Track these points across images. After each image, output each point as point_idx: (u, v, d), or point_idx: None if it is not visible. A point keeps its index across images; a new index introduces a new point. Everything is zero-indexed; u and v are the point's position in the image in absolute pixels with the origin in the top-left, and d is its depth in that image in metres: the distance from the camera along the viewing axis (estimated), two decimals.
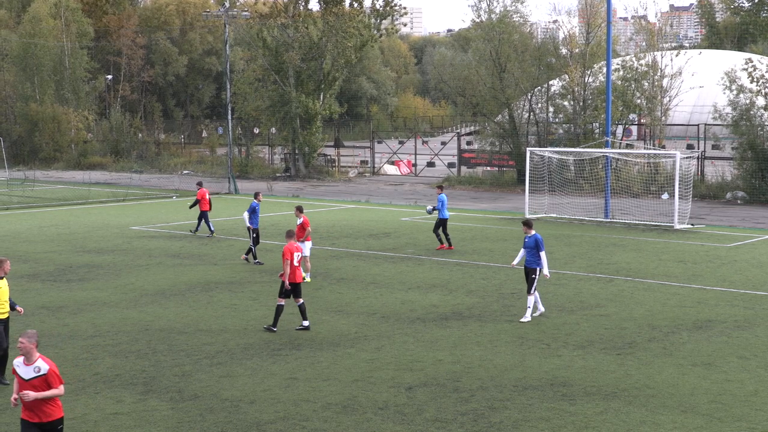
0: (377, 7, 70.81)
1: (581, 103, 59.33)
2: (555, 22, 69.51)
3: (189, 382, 17.40)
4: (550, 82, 63.03)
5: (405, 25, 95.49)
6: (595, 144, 49.92)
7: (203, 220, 37.66)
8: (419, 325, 21.90)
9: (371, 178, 71.41)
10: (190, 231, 38.45)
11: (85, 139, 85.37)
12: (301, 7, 71.09)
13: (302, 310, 21.47)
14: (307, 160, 71.64)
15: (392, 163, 76.15)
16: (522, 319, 22.19)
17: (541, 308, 22.81)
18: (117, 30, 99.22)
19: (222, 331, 21.34)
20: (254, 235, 31.51)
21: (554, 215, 44.01)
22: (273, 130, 75.09)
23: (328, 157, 76.70)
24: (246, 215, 31.85)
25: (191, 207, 38.87)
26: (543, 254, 22.24)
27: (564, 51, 64.18)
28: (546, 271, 22.26)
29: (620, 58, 61.81)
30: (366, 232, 38.77)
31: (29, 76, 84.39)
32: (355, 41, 69.70)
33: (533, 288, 22.32)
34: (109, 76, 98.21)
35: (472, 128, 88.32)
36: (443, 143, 79.03)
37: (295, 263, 21.28)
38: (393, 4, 70.56)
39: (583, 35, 62.36)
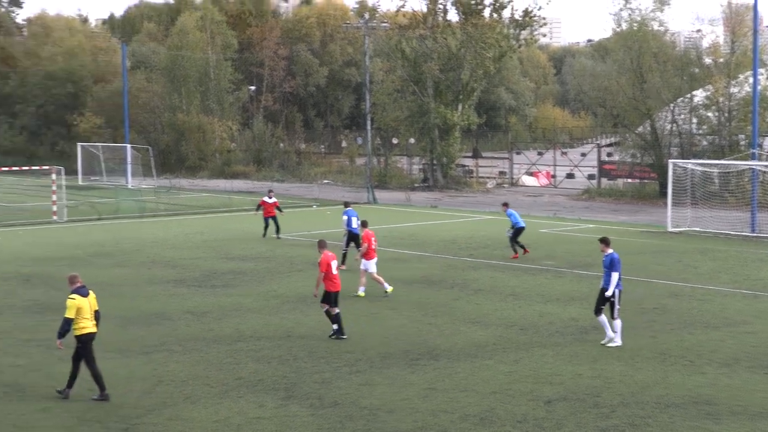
0: (517, 17, 70.50)
1: (726, 114, 57.81)
2: (698, 31, 67.92)
3: (329, 389, 17.62)
4: (693, 93, 61.58)
5: (544, 35, 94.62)
6: (741, 156, 48.57)
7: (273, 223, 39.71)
8: (558, 338, 21.68)
9: (509, 189, 71.00)
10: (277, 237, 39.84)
11: (228, 149, 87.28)
12: (440, 18, 71.26)
13: (337, 319, 21.72)
14: (445, 171, 71.67)
15: (531, 174, 75.54)
16: (609, 344, 20.91)
17: (610, 334, 21.05)
18: (260, 42, 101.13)
19: (361, 339, 21.53)
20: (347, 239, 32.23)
21: (698, 229, 42.95)
22: (411, 140, 75.40)
23: (466, 167, 76.61)
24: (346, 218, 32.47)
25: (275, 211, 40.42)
26: (615, 275, 20.79)
27: (708, 60, 62.71)
28: (609, 291, 20.80)
29: None
30: (504, 243, 38.47)
31: (176, 87, 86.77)
32: (494, 52, 69.50)
33: (615, 311, 20.89)
34: (252, 87, 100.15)
35: (613, 139, 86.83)
36: (583, 154, 78.09)
37: (334, 272, 21.71)
38: (532, 15, 70.13)
39: (727, 44, 60.80)
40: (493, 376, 18.50)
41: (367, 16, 71.65)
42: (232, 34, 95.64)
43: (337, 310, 21.63)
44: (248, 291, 27.57)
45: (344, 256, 31.75)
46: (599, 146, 74.08)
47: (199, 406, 16.54)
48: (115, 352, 20.20)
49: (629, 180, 65.27)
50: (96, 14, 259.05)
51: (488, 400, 16.90)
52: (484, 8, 70.22)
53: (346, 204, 34.63)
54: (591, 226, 45.75)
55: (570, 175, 73.10)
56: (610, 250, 21.18)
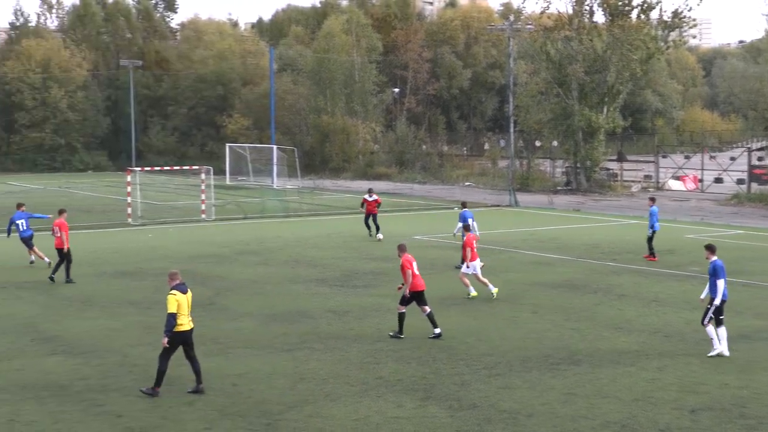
0: (665, 18, 69.03)
1: None
2: None
3: (468, 391, 17.54)
4: None
5: (694, 36, 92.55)
6: None
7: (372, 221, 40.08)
8: (704, 346, 21.05)
9: (655, 193, 69.52)
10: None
11: (371, 150, 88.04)
12: (586, 20, 70.33)
13: (430, 318, 21.84)
14: (588, 174, 70.70)
15: (677, 178, 73.78)
16: (708, 354, 20.02)
17: (717, 348, 20.03)
18: (404, 44, 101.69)
19: (501, 342, 21.38)
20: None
21: None
22: (554, 143, 74.65)
23: (611, 171, 75.34)
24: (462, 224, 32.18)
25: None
26: (720, 282, 19.79)
27: None
28: (717, 300, 19.82)
29: None
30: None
31: (322, 90, 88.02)
32: (641, 54, 68.23)
33: (705, 318, 20.07)
34: (396, 90, 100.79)
35: (764, 143, 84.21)
36: (732, 158, 75.82)
37: (416, 272, 21.83)
38: (682, 16, 68.55)
39: None
40: (636, 383, 18.11)
41: (512, 18, 71.25)
42: (377, 37, 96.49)
43: (428, 309, 21.87)
44: (388, 291, 27.65)
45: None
46: (750, 150, 71.89)
47: (339, 404, 16.68)
48: (258, 349, 20.57)
49: None
50: (245, 18, 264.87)
51: (630, 408, 16.54)
52: (631, 9, 68.98)
53: (464, 205, 34.62)
54: (740, 232, 44.38)
55: (718, 180, 71.12)
56: (713, 257, 20.38)
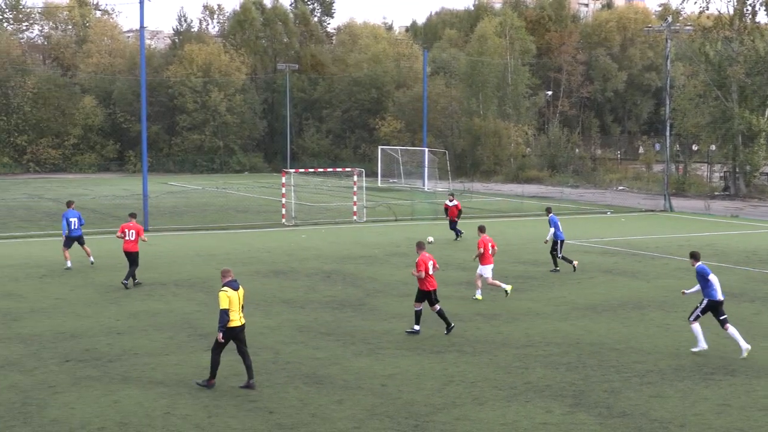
0: None
1: None
2: None
3: (618, 399, 17.25)
4: None
5: None
6: None
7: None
8: None
9: None
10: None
11: (523, 153, 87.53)
12: (748, 20, 68.26)
13: (441, 315, 22.29)
14: (747, 179, 68.66)
15: None
16: (692, 349, 20.92)
17: (702, 345, 20.80)
18: (558, 47, 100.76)
19: (653, 350, 20.94)
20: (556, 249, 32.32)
21: None
22: (712, 147, 72.71)
23: None
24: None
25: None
26: (708, 282, 20.75)
27: None
28: (687, 291, 21.86)
29: None
30: None
31: (474, 92, 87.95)
32: None
33: (692, 315, 21.00)
34: (549, 92, 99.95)
35: None
36: None
37: (430, 272, 22.14)
38: None
39: None
40: None
41: (670, 19, 69.70)
42: (531, 40, 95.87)
43: (438, 307, 22.31)
44: (538, 296, 27.48)
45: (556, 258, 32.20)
46: None
47: (487, 408, 16.63)
48: (407, 350, 20.69)
49: None
50: (400, 21, 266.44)
51: None
52: None
53: (548, 210, 34.35)
54: None
55: None
56: (697, 263, 21.21)
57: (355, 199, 50.37)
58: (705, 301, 20.74)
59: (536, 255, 35.98)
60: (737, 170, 69.24)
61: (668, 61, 62.93)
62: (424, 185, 73.95)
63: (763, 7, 67.98)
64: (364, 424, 15.72)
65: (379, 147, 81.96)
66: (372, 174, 76.47)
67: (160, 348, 20.74)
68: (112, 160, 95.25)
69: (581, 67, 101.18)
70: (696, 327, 20.79)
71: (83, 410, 16.31)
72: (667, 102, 63.19)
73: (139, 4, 45.50)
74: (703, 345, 20.77)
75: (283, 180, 49.71)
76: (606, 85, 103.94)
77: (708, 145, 73.36)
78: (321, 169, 64.36)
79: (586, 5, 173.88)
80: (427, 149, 75.95)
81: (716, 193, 68.49)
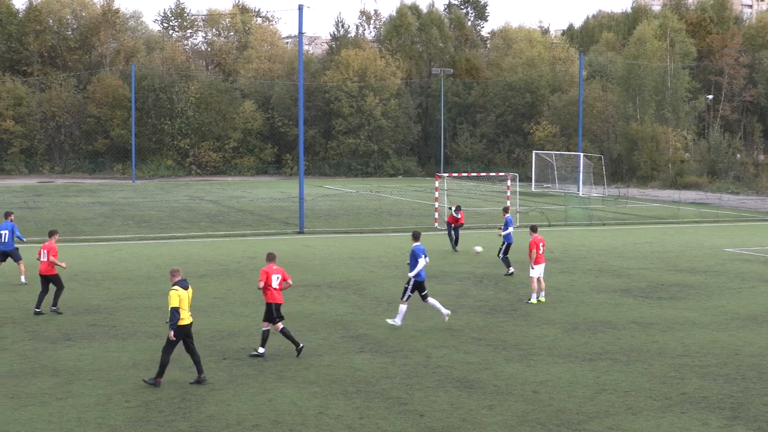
0: None
1: None
2: None
3: None
4: None
5: None
6: None
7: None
8: None
9: None
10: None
11: (682, 159, 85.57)
12: None
13: (286, 334, 20.35)
14: None
15: None
16: (389, 320, 23.36)
17: (398, 321, 23.21)
18: (720, 49, 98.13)
19: None
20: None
21: None
22: None
23: None
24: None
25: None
26: (420, 261, 22.85)
27: None
28: (411, 273, 23.04)
29: None
30: None
31: (631, 96, 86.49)
32: None
33: (404, 295, 23.23)
34: (710, 96, 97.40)
35: None
36: None
37: (274, 285, 20.18)
38: None
39: None
40: None
41: None
42: (691, 42, 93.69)
43: (281, 326, 20.29)
44: (695, 305, 26.81)
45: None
46: None
47: (641, 418, 16.32)
48: (559, 357, 20.49)
49: None
50: (556, 25, 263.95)
51: None
52: None
53: (505, 210, 34.75)
54: None
55: None
56: (415, 243, 23.16)
57: (508, 203, 50.11)
58: (412, 281, 23.03)
59: (694, 263, 35.15)
60: None
61: None
62: (578, 190, 73.06)
63: None
64: (514, 430, 15.64)
65: (534, 152, 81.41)
66: (526, 179, 75.98)
67: (314, 348, 21.09)
68: (270, 163, 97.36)
69: (744, 70, 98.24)
70: (433, 301, 23.40)
71: (239, 407, 16.74)
72: None
73: (298, 11, 46.40)
74: (398, 322, 23.16)
75: (437, 184, 49.89)
76: None
77: None
78: (474, 174, 64.21)
79: (750, 6, 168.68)
80: (582, 154, 75.02)
81: None
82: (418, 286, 23.18)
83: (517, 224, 48.06)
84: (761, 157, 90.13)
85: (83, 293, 27.77)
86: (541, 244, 27.00)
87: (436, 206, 48.55)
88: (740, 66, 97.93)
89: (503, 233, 32.96)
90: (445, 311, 23.58)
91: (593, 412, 16.61)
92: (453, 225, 38.76)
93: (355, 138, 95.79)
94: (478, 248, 36.47)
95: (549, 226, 48.52)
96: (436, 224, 46.85)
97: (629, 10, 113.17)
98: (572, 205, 60.55)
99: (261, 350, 20.32)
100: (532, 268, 26.92)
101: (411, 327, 23.44)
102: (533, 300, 26.91)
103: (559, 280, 30.70)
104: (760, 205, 63.59)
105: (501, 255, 32.48)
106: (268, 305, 20.34)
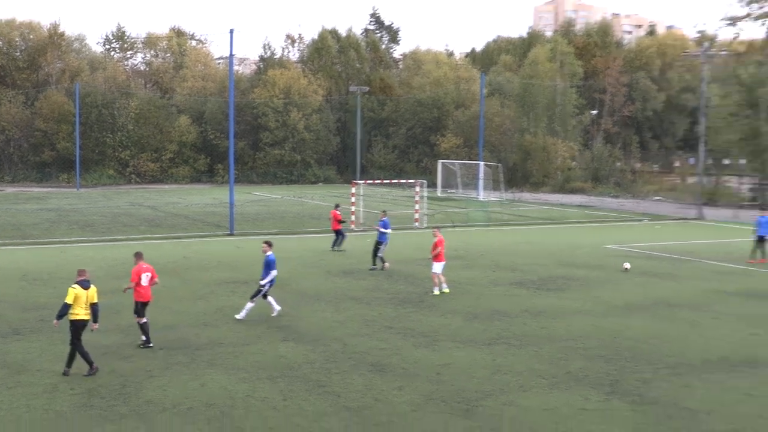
0: None
1: None
2: None
3: (649, 388, 17.16)
4: None
5: None
6: None
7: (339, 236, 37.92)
8: None
9: None
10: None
11: (569, 167, 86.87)
12: None
13: (143, 328, 20.01)
14: None
15: None
16: (272, 314, 23.34)
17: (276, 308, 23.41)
18: (603, 70, 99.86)
19: (683, 344, 20.76)
20: (379, 247, 32.10)
21: None
22: (743, 161, 71.54)
23: None
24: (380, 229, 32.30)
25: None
26: (273, 273, 22.84)
27: None
28: (263, 282, 22.88)
29: None
30: None
31: (526, 112, 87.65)
32: None
33: (257, 296, 23.12)
34: (594, 111, 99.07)
35: None
36: None
37: (143, 283, 20.04)
38: None
39: None
40: None
41: (706, 45, 68.80)
42: (578, 64, 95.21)
43: (144, 320, 20.05)
44: (579, 295, 27.36)
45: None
46: None
47: (531, 395, 16.65)
48: (461, 343, 20.76)
49: None
50: (460, 48, 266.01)
51: None
52: None
53: (383, 213, 33.96)
54: None
55: None
56: (271, 251, 22.91)
57: (417, 207, 50.46)
58: (266, 287, 22.98)
59: (578, 258, 35.80)
60: (765, 182, 68.01)
61: (704, 83, 62.10)
62: (479, 195, 73.74)
63: None
64: (421, 407, 15.84)
65: (440, 161, 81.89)
66: (432, 185, 76.38)
67: (243, 338, 21.05)
68: (203, 172, 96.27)
69: (624, 88, 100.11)
70: (270, 299, 23.38)
71: (174, 392, 16.66)
72: (702, 120, 62.34)
73: (228, 35, 46.10)
74: (277, 308, 23.50)
75: (353, 190, 49.98)
76: (646, 105, 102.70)
77: (738, 159, 72.19)
78: (387, 181, 64.44)
79: (630, 33, 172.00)
80: (482, 163, 75.71)
81: (744, 203, 67.32)
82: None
83: (425, 225, 48.47)
84: (638, 165, 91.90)
85: (32, 292, 27.27)
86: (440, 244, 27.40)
87: (353, 210, 48.63)
88: (620, 85, 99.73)
89: (387, 231, 32.91)
90: (277, 307, 23.62)
91: (490, 390, 16.89)
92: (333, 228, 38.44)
93: (281, 149, 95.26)
94: (627, 264, 32.98)
95: (453, 227, 48.93)
96: (353, 226, 46.92)
97: (525, 35, 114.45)
98: (473, 209, 61.11)
99: (144, 338, 20.12)
100: (434, 265, 27.29)
101: (330, 318, 23.52)
102: (436, 292, 27.21)
103: (461, 275, 31.04)
104: (636, 207, 64.91)
105: (380, 254, 32.40)
106: (137, 303, 20.06)
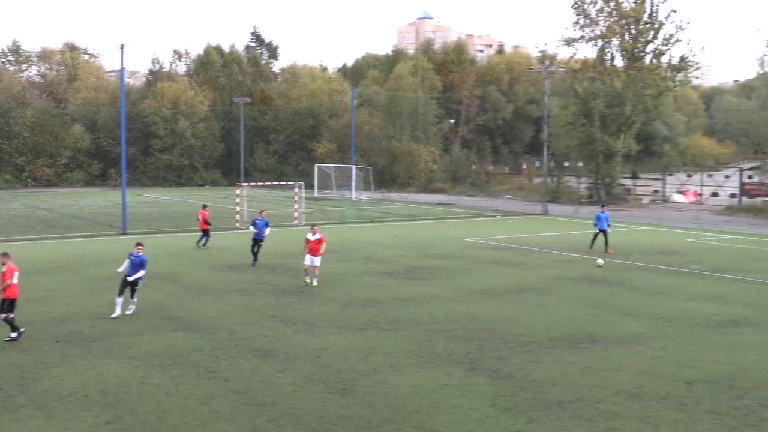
0: (673, 62, 67.95)
1: None
2: None
3: (504, 364, 17.43)
4: None
5: (697, 77, 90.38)
6: None
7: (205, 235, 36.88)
8: (699, 330, 20.71)
9: (662, 205, 68.40)
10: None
11: (431, 169, 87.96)
12: (608, 64, 69.55)
13: (10, 323, 19.10)
14: (607, 189, 69.86)
15: (680, 192, 72.55)
16: (111, 315, 21.61)
17: (118, 311, 21.65)
18: (459, 84, 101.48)
19: (532, 325, 21.20)
20: (255, 243, 31.32)
21: None
22: (580, 163, 73.91)
23: (626, 186, 74.32)
24: (251, 228, 31.60)
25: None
26: (141, 272, 21.65)
27: None
28: (131, 278, 21.52)
29: None
30: (656, 250, 37.19)
31: (392, 121, 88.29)
32: (653, 91, 67.25)
33: (134, 293, 22.06)
34: (452, 120, 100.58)
35: (754, 164, 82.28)
36: (726, 177, 74.35)
37: (14, 281, 19.02)
38: (688, 61, 67.41)
39: None
40: (643, 359, 17.84)
41: (547, 62, 70.70)
42: (437, 78, 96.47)
43: (11, 316, 19.04)
44: (442, 283, 27.63)
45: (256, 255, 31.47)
46: (741, 170, 70.38)
47: (401, 374, 16.67)
48: (337, 328, 20.66)
49: (767, 198, 61.70)
50: (333, 63, 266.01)
51: (638, 380, 16.30)
52: (645, 55, 68.05)
53: (261, 212, 33.08)
54: (732, 236, 43.48)
55: (714, 194, 69.86)
56: (141, 254, 21.75)
57: (296, 206, 50.13)
58: (140, 283, 22.00)
59: (440, 250, 36.18)
60: (599, 182, 70.39)
61: (546, 95, 63.81)
62: (351, 195, 73.88)
63: (619, 54, 69.23)
64: (302, 388, 15.66)
65: (316, 165, 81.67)
66: (310, 186, 76.09)
67: (136, 329, 20.41)
68: (97, 176, 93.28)
69: (477, 100, 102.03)
70: (119, 299, 21.70)
71: (71, 381, 15.99)
72: (545, 128, 64.05)
73: (119, 50, 44.77)
74: (118, 311, 21.64)
75: (237, 192, 49.28)
76: (497, 115, 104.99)
77: (577, 162, 74.54)
78: (268, 183, 63.86)
79: (482, 51, 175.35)
80: (354, 166, 75.89)
81: (583, 200, 69.53)
82: (130, 283, 21.84)
83: (303, 223, 48.19)
84: (490, 167, 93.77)
85: None
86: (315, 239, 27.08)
87: (237, 209, 47.94)
88: (474, 97, 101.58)
89: (266, 233, 32.28)
90: (131, 308, 22.21)
91: (364, 371, 16.84)
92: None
93: (170, 155, 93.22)
94: (600, 261, 32.15)
95: (329, 224, 48.82)
96: (237, 224, 46.28)
97: (390, 53, 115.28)
98: (347, 207, 61.16)
99: (13, 335, 19.12)
100: (304, 257, 27.01)
101: (217, 309, 23.06)
102: (308, 280, 26.94)
103: (337, 267, 30.95)
104: (490, 204, 66.18)
105: (252, 248, 31.68)
106: (6, 300, 18.91)
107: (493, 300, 24.58)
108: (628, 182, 75.71)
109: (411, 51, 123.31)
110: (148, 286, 26.81)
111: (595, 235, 36.51)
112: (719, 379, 16.41)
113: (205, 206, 38.92)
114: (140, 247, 22.13)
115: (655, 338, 19.81)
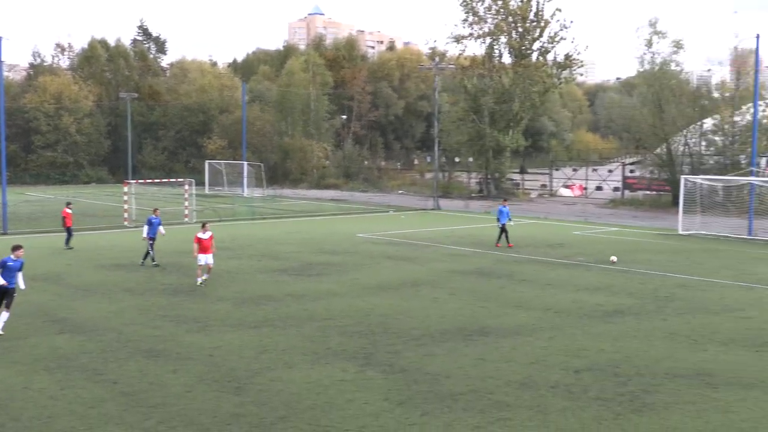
0: (559, 60, 69.78)
1: (730, 138, 56.57)
2: (709, 70, 66.43)
3: (399, 358, 17.55)
4: (703, 121, 60.34)
5: (581, 75, 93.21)
6: (742, 173, 47.36)
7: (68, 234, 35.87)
8: (586, 320, 21.35)
9: (549, 198, 70.24)
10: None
11: (323, 165, 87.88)
12: (496, 61, 70.89)
13: None
14: (497, 184, 71.26)
15: (567, 186, 74.66)
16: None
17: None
18: (351, 80, 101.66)
19: (425, 318, 21.43)
20: (151, 243, 30.53)
21: (704, 232, 42.02)
22: (470, 159, 75.14)
23: (515, 181, 75.99)
24: (145, 228, 30.88)
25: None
26: (19, 275, 19.57)
27: (716, 95, 61.41)
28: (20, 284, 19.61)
29: (767, 101, 58.54)
30: (544, 243, 38.15)
31: (284, 117, 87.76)
32: (540, 88, 68.94)
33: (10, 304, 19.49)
34: (344, 116, 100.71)
35: (635, 159, 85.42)
36: (610, 171, 76.97)
37: None
38: (572, 58, 69.38)
39: (733, 81, 59.45)
40: (532, 350, 18.26)
41: (437, 59, 71.55)
42: (329, 74, 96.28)
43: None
44: (336, 279, 27.64)
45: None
46: (624, 164, 72.96)
47: (295, 370, 16.59)
48: (230, 326, 20.40)
49: (648, 192, 64.17)
50: (223, 59, 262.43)
51: (527, 369, 16.68)
52: (532, 52, 69.68)
53: (155, 210, 32.11)
54: (615, 229, 45.01)
55: (599, 188, 72.13)
56: (23, 256, 19.81)
57: (186, 204, 49.25)
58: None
59: (334, 246, 36.17)
60: (489, 177, 71.72)
61: (436, 92, 64.61)
62: (243, 192, 73.11)
63: (507, 51, 70.71)
64: (194, 388, 15.39)
65: (206, 161, 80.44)
66: (201, 183, 74.84)
67: (19, 332, 19.64)
68: None
69: (369, 96, 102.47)
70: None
71: None
72: (436, 124, 64.85)
73: None
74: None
75: (125, 189, 48.06)
76: (388, 111, 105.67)
77: (467, 158, 75.74)
78: (158, 180, 62.59)
79: (373, 47, 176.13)
80: (246, 163, 75.08)
81: (473, 195, 70.69)
82: (4, 292, 19.47)
83: (194, 221, 47.39)
84: (383, 163, 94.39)
85: None
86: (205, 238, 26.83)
87: (125, 207, 46.78)
88: (366, 93, 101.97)
89: (162, 233, 31.72)
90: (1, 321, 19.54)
91: (258, 369, 16.68)
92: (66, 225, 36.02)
93: (53, 152, 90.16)
94: (614, 258, 31.81)
95: (220, 221, 48.16)
96: (126, 223, 45.17)
97: (281, 48, 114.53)
98: (239, 204, 60.48)
99: None
100: (197, 257, 26.63)
101: (105, 309, 22.44)
102: (199, 281, 26.53)
103: (230, 265, 30.57)
104: (382, 199, 66.57)
105: (151, 252, 30.74)
106: None
107: (387, 295, 24.72)
108: (516, 177, 77.39)
109: (302, 47, 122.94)
110: (32, 287, 25.87)
111: (501, 229, 36.70)
112: (605, 366, 16.95)
113: (68, 204, 37.53)
114: (20, 251, 19.80)
115: (544, 329, 20.30)
